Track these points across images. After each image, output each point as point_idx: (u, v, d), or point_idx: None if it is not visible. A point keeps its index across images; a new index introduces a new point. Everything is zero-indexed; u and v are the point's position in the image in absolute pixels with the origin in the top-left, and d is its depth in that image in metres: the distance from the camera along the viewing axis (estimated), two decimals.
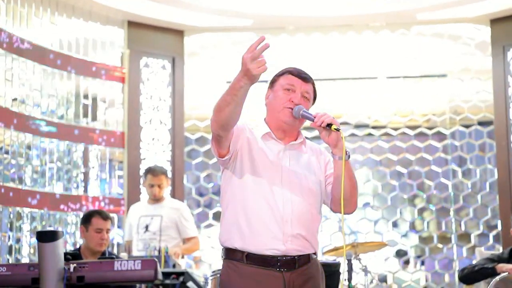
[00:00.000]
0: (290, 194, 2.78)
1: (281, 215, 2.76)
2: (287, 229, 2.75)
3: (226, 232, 2.83)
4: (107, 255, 4.69)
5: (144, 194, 7.03)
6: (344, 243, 2.74)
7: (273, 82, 3.03)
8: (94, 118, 7.69)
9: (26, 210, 6.82)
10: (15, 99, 6.87)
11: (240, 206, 2.80)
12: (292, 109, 2.91)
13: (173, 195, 7.66)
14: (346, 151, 2.76)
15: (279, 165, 2.83)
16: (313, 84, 3.03)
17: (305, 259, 2.81)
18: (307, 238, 2.81)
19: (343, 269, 2.80)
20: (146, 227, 6.07)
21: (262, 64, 2.61)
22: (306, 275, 2.81)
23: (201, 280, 5.12)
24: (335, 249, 5.32)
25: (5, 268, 3.08)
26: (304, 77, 2.98)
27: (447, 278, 8.22)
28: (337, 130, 2.77)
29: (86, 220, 4.74)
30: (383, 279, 8.37)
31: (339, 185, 2.78)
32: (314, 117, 2.83)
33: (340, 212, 2.83)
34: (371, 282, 5.78)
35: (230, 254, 2.81)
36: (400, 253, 8.50)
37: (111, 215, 7.42)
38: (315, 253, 2.89)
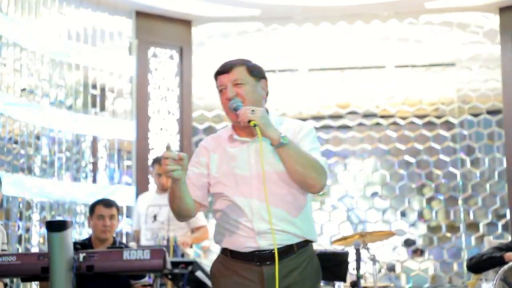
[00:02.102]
0: (259, 190, 2.78)
1: (251, 213, 2.79)
2: (258, 226, 2.78)
3: (215, 234, 2.97)
4: (117, 244, 4.73)
5: (153, 184, 7.06)
6: (273, 236, 2.74)
7: None
8: (102, 108, 7.71)
9: (36, 199, 6.86)
10: (24, 89, 6.90)
11: (220, 211, 2.89)
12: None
13: None
14: (280, 139, 2.70)
15: (247, 163, 2.82)
16: (242, 65, 2.89)
17: (287, 251, 2.82)
18: (284, 229, 2.80)
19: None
20: (155, 216, 6.09)
21: (165, 164, 2.63)
22: (289, 267, 2.81)
23: (209, 270, 5.14)
24: (344, 238, 5.32)
25: (15, 258, 3.10)
26: (224, 69, 2.88)
27: (455, 267, 8.22)
28: (255, 126, 2.70)
29: (91, 209, 4.81)
30: (391, 268, 8.38)
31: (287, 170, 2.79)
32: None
33: (312, 192, 2.84)
34: (380, 271, 5.80)
35: (221, 250, 2.94)
36: (409, 243, 8.50)
37: (120, 205, 7.51)
38: (305, 241, 2.86)
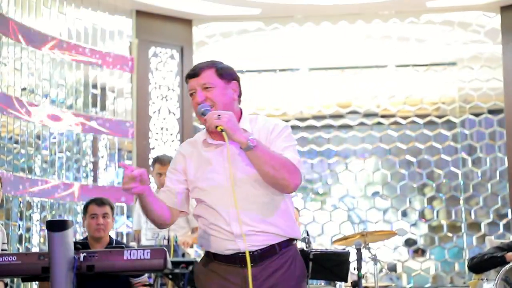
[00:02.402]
0: (235, 193, 2.77)
1: (228, 216, 2.79)
2: (235, 229, 2.78)
3: (198, 237, 2.98)
4: (113, 242, 4.72)
5: (153, 184, 7.04)
6: (244, 238, 2.74)
7: None
8: (103, 108, 7.71)
9: (36, 199, 6.85)
10: (24, 89, 6.89)
11: (200, 216, 2.91)
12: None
13: None
14: (248, 142, 2.68)
15: (222, 167, 2.82)
16: (211, 67, 2.86)
17: (269, 252, 2.81)
18: (264, 230, 2.80)
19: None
20: None
21: (123, 183, 2.69)
22: (272, 267, 2.81)
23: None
24: (345, 238, 5.31)
25: (16, 257, 3.08)
26: (193, 73, 2.87)
27: (457, 267, 8.21)
28: (222, 131, 2.69)
29: (84, 209, 4.84)
30: (392, 268, 8.35)
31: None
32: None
33: (286, 192, 2.82)
34: (381, 271, 5.78)
35: (204, 252, 2.96)
36: (410, 242, 8.49)
37: (120, 204, 7.50)
38: (288, 240, 2.85)
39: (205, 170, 2.85)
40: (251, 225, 2.78)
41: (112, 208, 4.81)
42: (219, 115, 2.69)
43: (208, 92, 2.82)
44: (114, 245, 4.68)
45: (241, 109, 2.92)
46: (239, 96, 2.91)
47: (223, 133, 2.68)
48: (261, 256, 2.80)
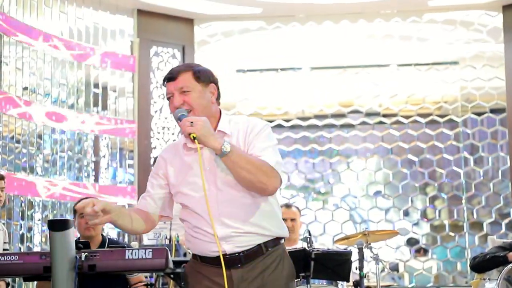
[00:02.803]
0: (216, 195, 2.78)
1: (211, 219, 2.78)
2: (218, 232, 2.78)
3: (185, 240, 3.02)
4: (106, 241, 4.73)
5: None
6: (218, 243, 2.75)
7: None
8: (104, 107, 7.70)
9: (38, 199, 6.85)
10: (25, 88, 6.89)
11: (185, 220, 2.94)
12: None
13: None
14: (222, 148, 2.67)
15: (201, 170, 2.80)
16: (188, 71, 2.84)
17: (256, 253, 2.81)
18: (248, 231, 2.80)
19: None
20: None
21: (87, 221, 2.81)
22: (259, 268, 2.81)
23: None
24: (347, 237, 5.30)
25: (17, 257, 3.08)
26: (170, 77, 2.84)
27: (459, 266, 8.20)
28: (194, 138, 2.68)
29: (74, 210, 4.82)
30: (394, 268, 8.35)
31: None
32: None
33: (265, 195, 2.80)
34: (383, 270, 5.77)
35: (192, 255, 2.98)
36: (412, 242, 8.48)
37: (122, 203, 7.49)
38: (274, 240, 2.85)
39: (186, 175, 2.85)
40: (235, 226, 2.78)
41: None
42: (191, 122, 2.67)
43: (186, 96, 2.80)
44: (107, 244, 4.70)
45: (220, 110, 2.90)
46: (218, 98, 2.89)
47: (196, 141, 2.68)
48: (247, 257, 2.80)
